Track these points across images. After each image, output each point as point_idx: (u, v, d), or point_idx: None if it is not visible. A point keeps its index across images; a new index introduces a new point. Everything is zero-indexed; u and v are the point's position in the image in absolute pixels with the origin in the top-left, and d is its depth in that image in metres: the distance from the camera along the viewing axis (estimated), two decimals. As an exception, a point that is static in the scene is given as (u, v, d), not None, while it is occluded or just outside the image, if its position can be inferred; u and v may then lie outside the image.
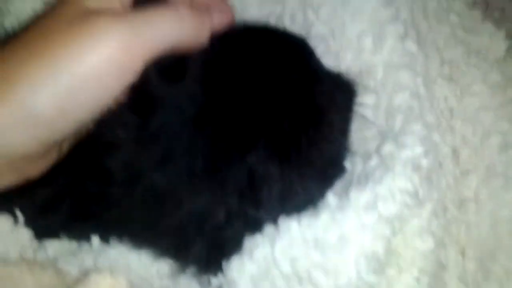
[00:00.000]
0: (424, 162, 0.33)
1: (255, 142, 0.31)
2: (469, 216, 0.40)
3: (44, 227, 0.33)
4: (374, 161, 0.34)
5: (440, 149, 0.39)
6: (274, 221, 0.32)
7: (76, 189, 0.32)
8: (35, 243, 0.33)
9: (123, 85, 0.30)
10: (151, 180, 0.30)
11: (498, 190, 0.40)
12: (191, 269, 0.33)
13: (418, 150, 0.33)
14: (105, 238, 0.33)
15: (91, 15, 0.30)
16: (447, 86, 0.41)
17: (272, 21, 0.45)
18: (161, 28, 0.31)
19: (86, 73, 0.28)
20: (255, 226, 0.32)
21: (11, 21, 0.44)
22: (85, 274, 0.31)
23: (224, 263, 0.31)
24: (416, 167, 0.33)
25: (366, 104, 0.37)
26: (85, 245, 0.34)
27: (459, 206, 0.40)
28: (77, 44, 0.29)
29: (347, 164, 0.36)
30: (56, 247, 0.34)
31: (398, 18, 0.38)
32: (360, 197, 0.32)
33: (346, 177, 0.35)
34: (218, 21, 0.34)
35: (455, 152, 0.41)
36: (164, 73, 0.30)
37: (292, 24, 0.42)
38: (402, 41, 0.37)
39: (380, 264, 0.31)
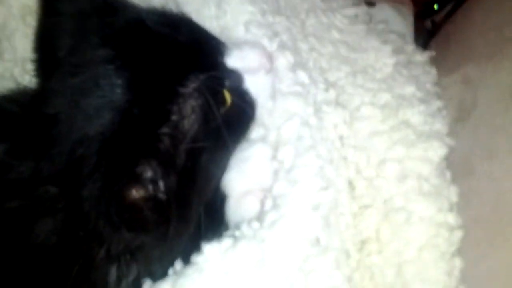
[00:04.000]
0: (323, 200, 0.26)
1: None
2: (372, 259, 0.34)
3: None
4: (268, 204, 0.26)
5: (335, 183, 0.32)
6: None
7: None
8: None
9: None
10: None
11: (400, 226, 0.34)
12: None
13: (315, 185, 0.26)
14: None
15: None
16: (334, 112, 0.35)
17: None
18: None
19: None
20: None
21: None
22: None
23: None
24: (315, 207, 0.26)
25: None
26: None
27: (360, 248, 0.34)
28: None
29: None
30: None
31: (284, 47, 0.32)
32: (247, 252, 0.23)
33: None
34: None
35: (350, 185, 0.35)
36: None
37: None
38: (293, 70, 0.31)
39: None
